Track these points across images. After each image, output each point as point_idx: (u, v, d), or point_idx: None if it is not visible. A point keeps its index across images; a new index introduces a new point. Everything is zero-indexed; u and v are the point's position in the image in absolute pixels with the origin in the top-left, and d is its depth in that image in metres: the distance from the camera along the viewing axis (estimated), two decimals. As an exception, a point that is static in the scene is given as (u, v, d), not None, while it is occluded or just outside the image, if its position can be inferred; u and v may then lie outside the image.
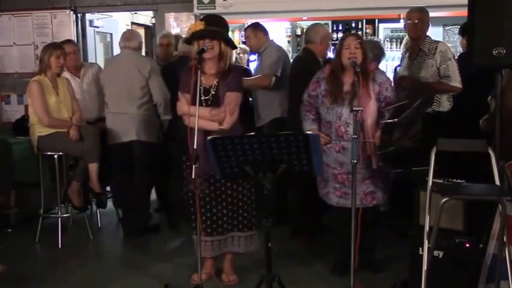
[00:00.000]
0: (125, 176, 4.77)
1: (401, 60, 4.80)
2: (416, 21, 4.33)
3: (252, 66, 5.99)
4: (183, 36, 5.10)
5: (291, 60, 5.01)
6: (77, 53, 5.13)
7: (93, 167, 4.52)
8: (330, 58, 5.27)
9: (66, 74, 4.89)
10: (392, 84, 3.94)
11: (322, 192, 3.76)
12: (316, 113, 3.74)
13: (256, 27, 4.99)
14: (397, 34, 7.70)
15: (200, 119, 3.23)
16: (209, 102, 3.47)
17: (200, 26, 3.41)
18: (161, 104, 4.68)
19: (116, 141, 4.68)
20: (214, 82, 3.49)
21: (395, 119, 3.28)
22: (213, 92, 3.48)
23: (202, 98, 3.42)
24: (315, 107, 3.73)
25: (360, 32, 7.16)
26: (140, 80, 4.61)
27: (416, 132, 3.31)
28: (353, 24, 7.69)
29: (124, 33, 4.99)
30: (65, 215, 4.73)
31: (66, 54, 4.71)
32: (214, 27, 3.43)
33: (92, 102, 5.04)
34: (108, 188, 5.23)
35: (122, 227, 4.94)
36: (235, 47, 3.74)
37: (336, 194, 3.66)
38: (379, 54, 4.77)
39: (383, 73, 3.75)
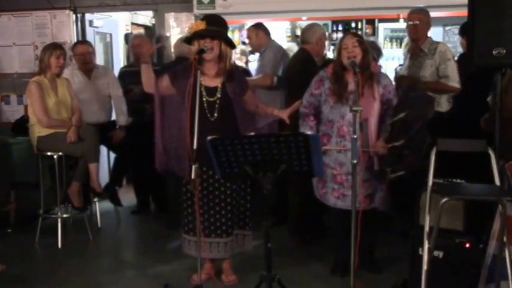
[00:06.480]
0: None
1: (403, 61, 4.80)
2: (416, 22, 4.32)
3: (252, 67, 5.98)
4: (170, 36, 5.43)
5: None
6: (90, 54, 5.11)
7: (93, 167, 4.53)
8: (330, 59, 5.26)
9: (77, 73, 4.99)
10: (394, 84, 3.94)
11: (320, 192, 3.73)
12: (314, 118, 3.70)
13: (258, 27, 5.00)
14: (396, 34, 7.72)
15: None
16: (216, 105, 3.46)
17: (202, 25, 3.40)
18: None
19: None
20: (219, 83, 3.48)
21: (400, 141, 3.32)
22: (219, 95, 3.47)
23: (204, 99, 3.41)
24: (314, 108, 3.69)
25: (359, 32, 7.16)
26: None
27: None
28: (353, 24, 7.73)
29: None
30: (65, 215, 4.73)
31: (83, 54, 4.97)
32: (215, 27, 3.43)
33: (98, 104, 5.07)
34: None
35: None
36: (235, 47, 3.73)
37: (333, 195, 3.63)
38: (377, 54, 4.77)
39: (387, 76, 3.74)
